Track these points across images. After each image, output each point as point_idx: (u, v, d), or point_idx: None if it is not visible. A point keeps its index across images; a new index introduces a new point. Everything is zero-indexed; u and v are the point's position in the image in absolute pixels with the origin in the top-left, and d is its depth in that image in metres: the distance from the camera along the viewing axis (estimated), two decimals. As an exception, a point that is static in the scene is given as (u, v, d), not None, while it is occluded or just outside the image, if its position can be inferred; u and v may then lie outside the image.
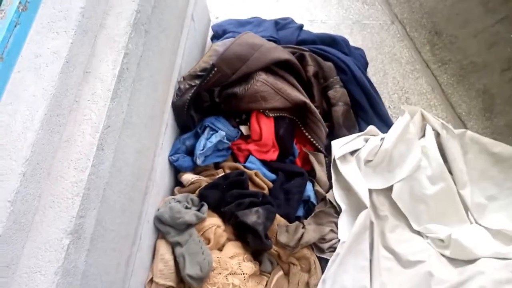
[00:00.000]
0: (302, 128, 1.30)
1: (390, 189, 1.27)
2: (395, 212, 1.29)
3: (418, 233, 1.26)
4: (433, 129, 1.34)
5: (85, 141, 0.75)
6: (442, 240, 1.21)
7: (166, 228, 1.10)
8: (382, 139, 1.31)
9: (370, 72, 1.47)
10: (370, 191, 1.27)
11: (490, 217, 1.24)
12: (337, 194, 1.26)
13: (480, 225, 1.24)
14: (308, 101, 1.24)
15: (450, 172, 1.30)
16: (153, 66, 1.01)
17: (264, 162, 1.28)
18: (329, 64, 1.37)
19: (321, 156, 1.31)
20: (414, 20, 1.69)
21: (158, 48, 1.04)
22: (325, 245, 1.20)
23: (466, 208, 1.27)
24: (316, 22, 1.67)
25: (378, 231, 1.25)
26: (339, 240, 1.19)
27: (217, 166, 1.29)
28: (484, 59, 1.57)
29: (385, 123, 1.37)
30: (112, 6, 0.87)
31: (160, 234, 1.12)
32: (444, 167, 1.27)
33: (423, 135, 1.34)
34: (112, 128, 0.80)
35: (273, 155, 1.27)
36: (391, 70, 1.59)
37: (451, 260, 1.18)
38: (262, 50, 1.09)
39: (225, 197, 1.15)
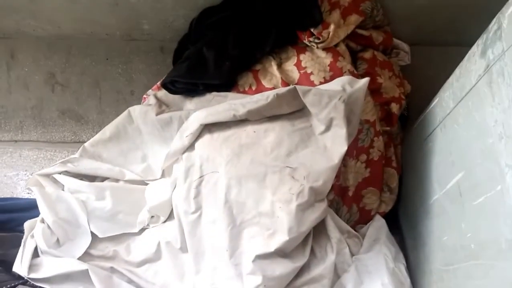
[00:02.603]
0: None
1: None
2: (118, 241, 1.36)
3: (141, 232, 1.37)
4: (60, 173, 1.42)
5: None
6: (152, 216, 1.36)
7: None
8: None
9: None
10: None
11: (153, 170, 1.45)
12: None
13: (155, 179, 1.44)
14: None
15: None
16: None
17: None
18: None
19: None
20: None
21: None
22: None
23: (140, 182, 1.44)
24: None
25: (122, 268, 1.30)
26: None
27: None
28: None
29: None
30: None
31: None
32: (86, 184, 1.38)
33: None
34: None
35: None
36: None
37: (171, 219, 1.34)
38: None
39: None
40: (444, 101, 1.07)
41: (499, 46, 0.81)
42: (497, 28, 0.83)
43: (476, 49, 0.92)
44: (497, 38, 0.82)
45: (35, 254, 1.30)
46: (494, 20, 0.85)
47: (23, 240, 1.32)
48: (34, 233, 1.32)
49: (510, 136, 0.76)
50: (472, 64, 0.92)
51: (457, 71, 1.03)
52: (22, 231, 1.34)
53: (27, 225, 1.35)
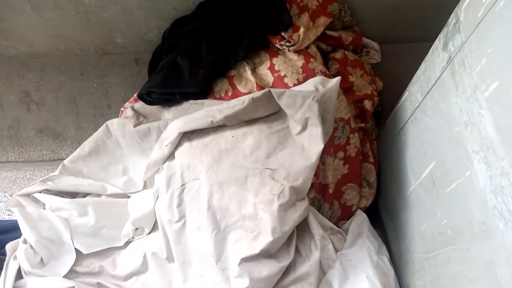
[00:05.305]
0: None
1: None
2: (103, 256, 1.35)
3: (126, 245, 1.36)
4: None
5: None
6: (137, 229, 1.36)
7: None
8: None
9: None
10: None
11: (135, 182, 1.44)
12: None
13: (137, 191, 1.44)
14: None
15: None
16: None
17: None
18: None
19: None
20: None
21: None
22: None
23: (122, 195, 1.44)
24: None
25: (109, 283, 1.29)
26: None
27: None
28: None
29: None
30: None
31: None
32: (68, 201, 1.36)
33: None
34: None
35: None
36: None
37: (155, 230, 1.33)
38: None
39: None
40: (413, 94, 1.10)
41: (459, 38, 0.85)
42: (455, 22, 0.87)
43: (438, 43, 0.96)
44: (456, 31, 0.86)
45: (19, 275, 1.28)
46: (453, 14, 0.89)
47: (5, 263, 1.30)
48: (16, 254, 1.31)
49: (474, 123, 0.79)
50: (435, 57, 0.96)
51: (423, 65, 1.07)
52: (4, 254, 1.31)
53: (9, 247, 1.33)
